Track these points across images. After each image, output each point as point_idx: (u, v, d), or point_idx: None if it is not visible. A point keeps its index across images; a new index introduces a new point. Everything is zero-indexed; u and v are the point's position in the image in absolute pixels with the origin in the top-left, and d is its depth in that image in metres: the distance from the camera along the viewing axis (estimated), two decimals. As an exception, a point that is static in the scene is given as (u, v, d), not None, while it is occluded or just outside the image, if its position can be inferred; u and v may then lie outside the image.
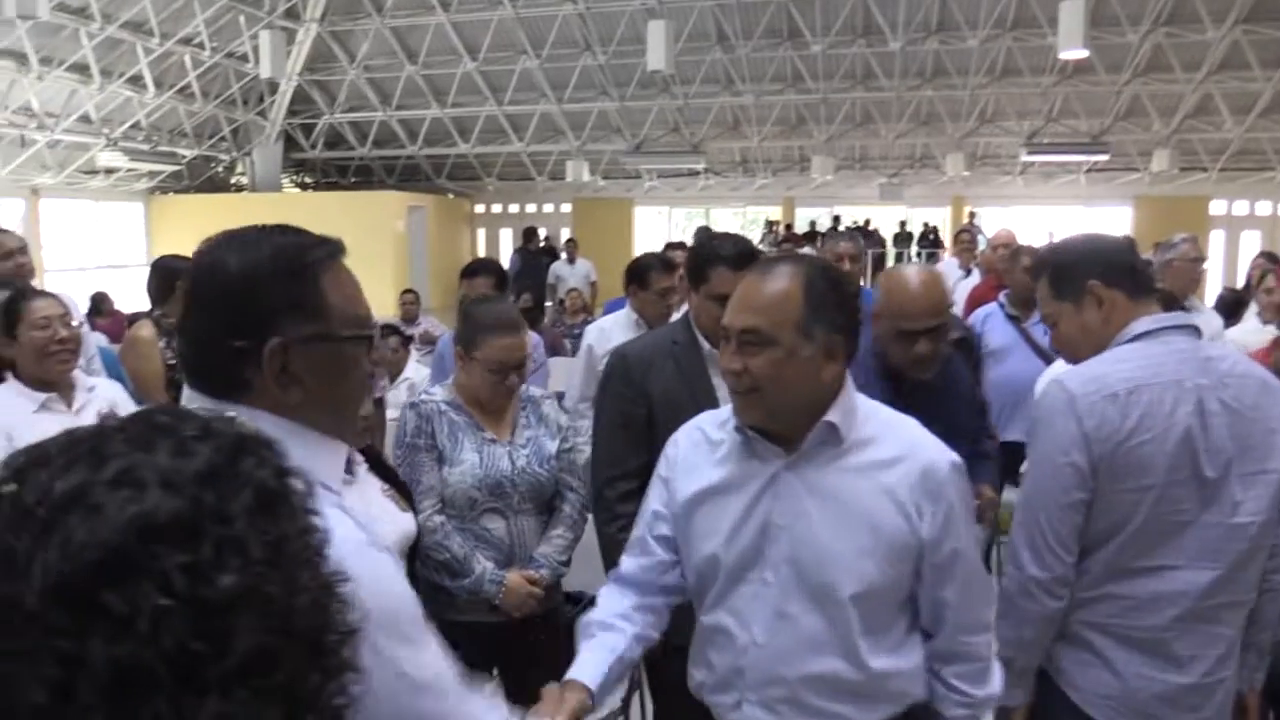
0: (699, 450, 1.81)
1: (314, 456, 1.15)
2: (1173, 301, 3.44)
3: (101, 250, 16.83)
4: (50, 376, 2.84)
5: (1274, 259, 5.53)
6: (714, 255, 2.57)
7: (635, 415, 2.53)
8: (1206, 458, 1.89)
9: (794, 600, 1.68)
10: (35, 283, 4.08)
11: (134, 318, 7.67)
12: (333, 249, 1.27)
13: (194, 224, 16.78)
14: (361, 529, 1.11)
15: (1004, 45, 15.71)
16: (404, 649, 1.09)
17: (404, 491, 2.40)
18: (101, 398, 2.93)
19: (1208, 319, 4.26)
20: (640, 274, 3.99)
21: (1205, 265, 4.38)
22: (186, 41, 15.16)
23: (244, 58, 16.27)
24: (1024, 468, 2.09)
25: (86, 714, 0.60)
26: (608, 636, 1.75)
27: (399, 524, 2.25)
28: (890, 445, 1.68)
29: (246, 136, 18.74)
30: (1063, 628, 2.00)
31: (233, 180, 19.74)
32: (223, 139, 18.38)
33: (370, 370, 1.31)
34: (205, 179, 19.02)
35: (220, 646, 0.63)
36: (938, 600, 1.70)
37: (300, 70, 17.43)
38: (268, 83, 16.83)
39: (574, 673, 1.68)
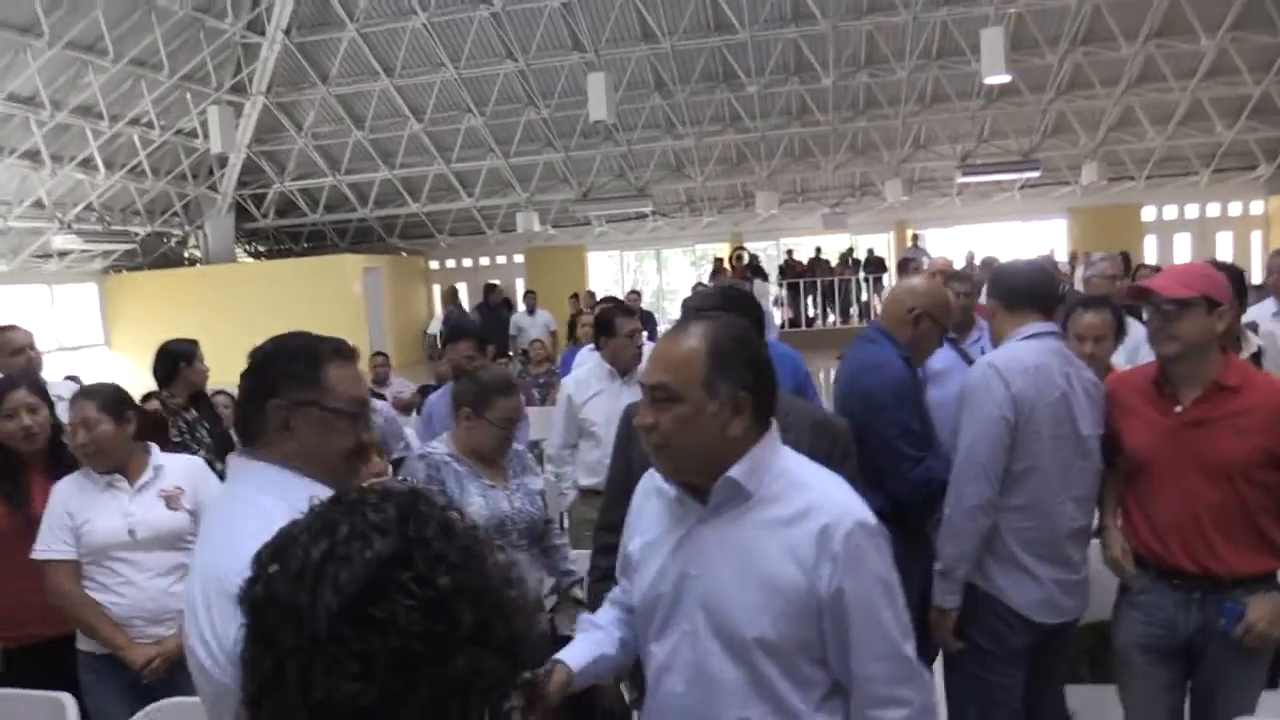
0: (648, 502, 1.88)
1: (297, 490, 1.49)
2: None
3: (59, 333, 16.78)
4: (87, 462, 3.09)
5: None
6: (684, 309, 2.74)
7: (619, 473, 2.59)
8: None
9: (711, 649, 1.70)
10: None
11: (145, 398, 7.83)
12: (345, 351, 1.75)
13: (150, 299, 16.98)
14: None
15: (931, 74, 16.35)
16: None
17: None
18: (168, 476, 3.11)
19: (1133, 328, 4.60)
20: (606, 323, 4.27)
21: (1122, 280, 4.73)
22: (135, 122, 15.32)
23: (193, 133, 16.46)
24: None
25: (387, 685, 0.91)
26: (596, 633, 1.93)
27: None
28: (795, 502, 1.68)
29: (198, 210, 18.86)
30: (1002, 554, 2.74)
31: (186, 254, 19.82)
32: (175, 214, 18.49)
33: (360, 442, 1.70)
34: (159, 255, 19.08)
35: (453, 624, 0.94)
36: (844, 666, 1.67)
37: (249, 142, 17.63)
38: (217, 157, 17.00)
39: (561, 655, 1.85)
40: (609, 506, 2.59)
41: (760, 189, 18.42)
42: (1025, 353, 2.76)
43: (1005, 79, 13.88)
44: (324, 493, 1.48)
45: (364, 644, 0.91)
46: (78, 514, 2.99)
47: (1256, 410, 2.48)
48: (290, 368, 1.67)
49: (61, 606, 3.00)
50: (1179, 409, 2.58)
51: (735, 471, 1.68)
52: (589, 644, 1.91)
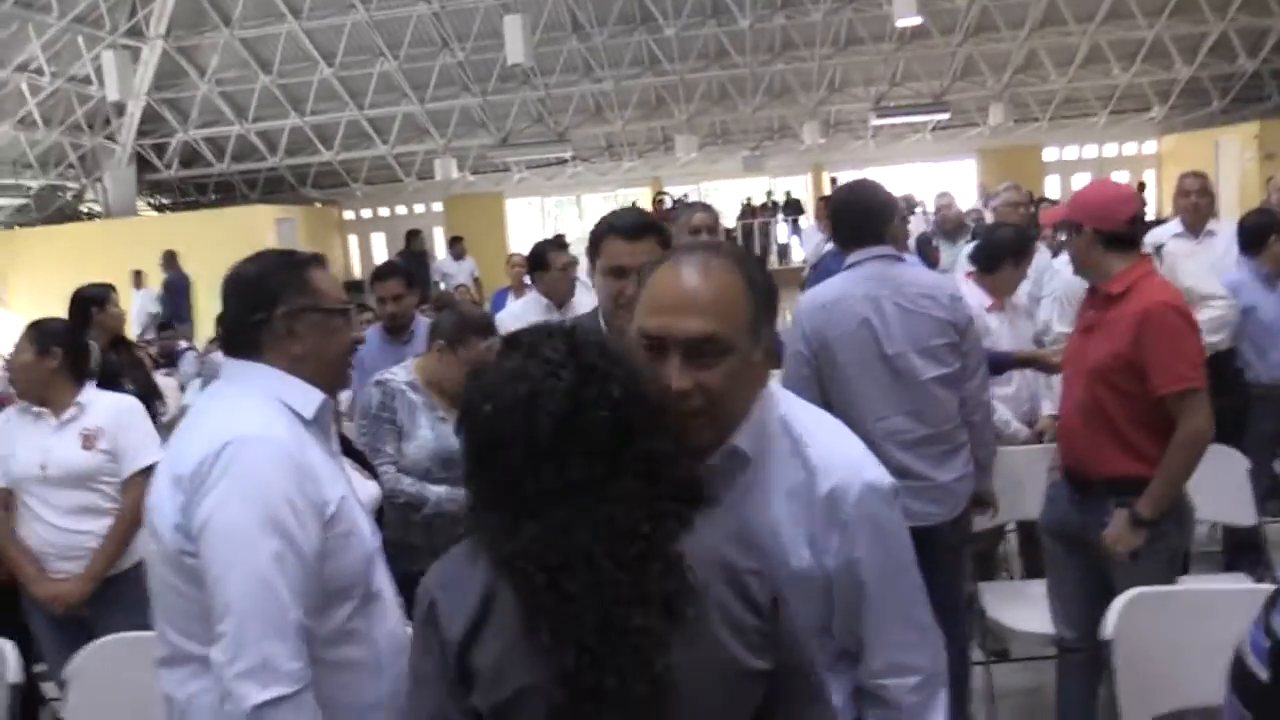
0: None
1: (291, 391, 1.73)
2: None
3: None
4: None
5: None
6: (606, 227, 2.37)
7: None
8: (885, 341, 2.90)
9: None
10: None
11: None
12: (320, 258, 1.85)
13: (48, 256, 16.32)
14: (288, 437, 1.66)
15: (845, 17, 16.51)
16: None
17: (367, 466, 2.73)
18: (91, 415, 3.12)
19: (1040, 254, 4.83)
20: (539, 258, 4.33)
21: (1027, 208, 4.97)
22: (23, 68, 14.60)
23: (86, 80, 15.73)
24: None
25: (597, 470, 1.22)
26: None
27: (367, 490, 2.61)
28: (796, 462, 1.45)
29: (95, 162, 18.09)
30: None
31: (84, 208, 19.04)
32: (70, 166, 17.72)
33: (354, 339, 1.84)
34: (55, 210, 18.30)
35: (630, 418, 1.24)
36: (852, 635, 1.50)
37: (148, 89, 16.94)
38: (114, 104, 16.31)
39: None
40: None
41: (680, 132, 18.44)
42: (828, 289, 3.01)
43: (916, 21, 14.11)
44: (314, 399, 1.74)
45: (576, 445, 1.21)
46: (4, 444, 3.10)
47: (1122, 318, 2.62)
48: (282, 278, 1.76)
49: None
50: (1088, 314, 2.79)
51: (741, 439, 1.42)
52: None
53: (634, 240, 2.27)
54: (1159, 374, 2.54)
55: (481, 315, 3.11)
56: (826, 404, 2.88)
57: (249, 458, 1.58)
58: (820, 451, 1.46)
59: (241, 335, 1.76)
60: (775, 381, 1.55)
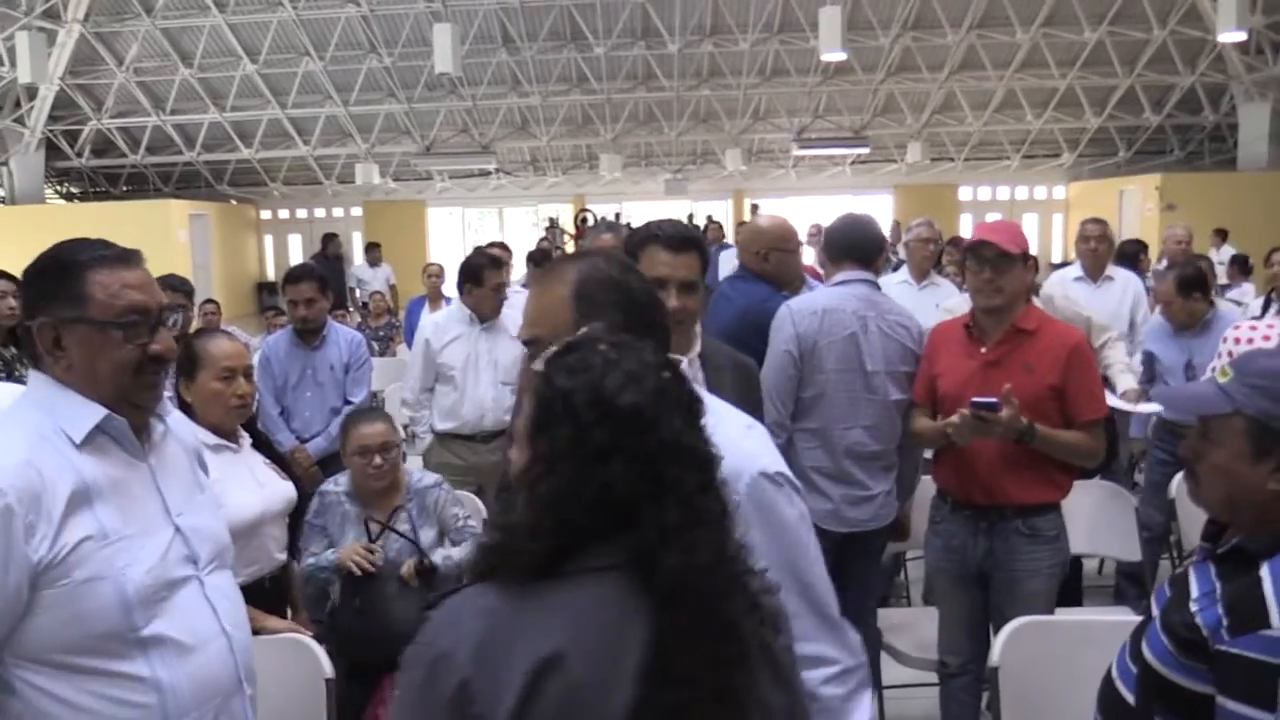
0: None
1: (65, 408, 1.59)
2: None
3: None
4: None
5: None
6: (650, 234, 2.32)
7: None
8: (867, 358, 3.11)
9: None
10: None
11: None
12: (107, 255, 1.64)
13: (-54, 241, 15.54)
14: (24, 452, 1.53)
15: (772, 48, 16.85)
16: None
17: (283, 465, 2.72)
18: None
19: (946, 289, 5.03)
20: (474, 272, 4.32)
21: (935, 246, 5.16)
22: (-74, 44, 13.99)
23: (-4, 61, 15.15)
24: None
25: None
26: None
27: (281, 490, 2.61)
28: None
29: (2, 145, 17.38)
30: (797, 471, 2.92)
31: (-15, 192, 18.28)
32: (-28, 148, 17.00)
33: (147, 353, 1.61)
34: (-47, 192, 17.52)
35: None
36: None
37: (62, 74, 16.36)
38: (25, 87, 15.71)
39: None
40: None
41: (604, 151, 18.54)
42: (821, 297, 3.19)
43: (840, 56, 14.48)
44: (88, 418, 1.57)
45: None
46: None
47: (1048, 351, 2.79)
48: (50, 283, 1.60)
49: None
50: (983, 350, 2.88)
51: None
52: None
53: (677, 252, 2.18)
54: (1086, 402, 2.80)
55: (360, 414, 3.24)
56: (795, 403, 3.11)
57: None
58: (719, 440, 1.49)
59: (26, 344, 1.65)
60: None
